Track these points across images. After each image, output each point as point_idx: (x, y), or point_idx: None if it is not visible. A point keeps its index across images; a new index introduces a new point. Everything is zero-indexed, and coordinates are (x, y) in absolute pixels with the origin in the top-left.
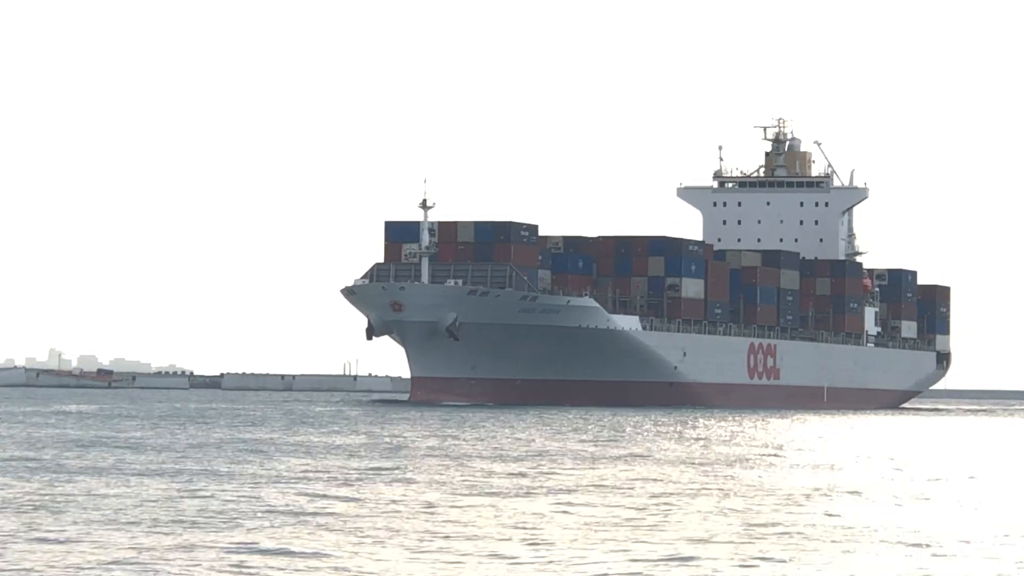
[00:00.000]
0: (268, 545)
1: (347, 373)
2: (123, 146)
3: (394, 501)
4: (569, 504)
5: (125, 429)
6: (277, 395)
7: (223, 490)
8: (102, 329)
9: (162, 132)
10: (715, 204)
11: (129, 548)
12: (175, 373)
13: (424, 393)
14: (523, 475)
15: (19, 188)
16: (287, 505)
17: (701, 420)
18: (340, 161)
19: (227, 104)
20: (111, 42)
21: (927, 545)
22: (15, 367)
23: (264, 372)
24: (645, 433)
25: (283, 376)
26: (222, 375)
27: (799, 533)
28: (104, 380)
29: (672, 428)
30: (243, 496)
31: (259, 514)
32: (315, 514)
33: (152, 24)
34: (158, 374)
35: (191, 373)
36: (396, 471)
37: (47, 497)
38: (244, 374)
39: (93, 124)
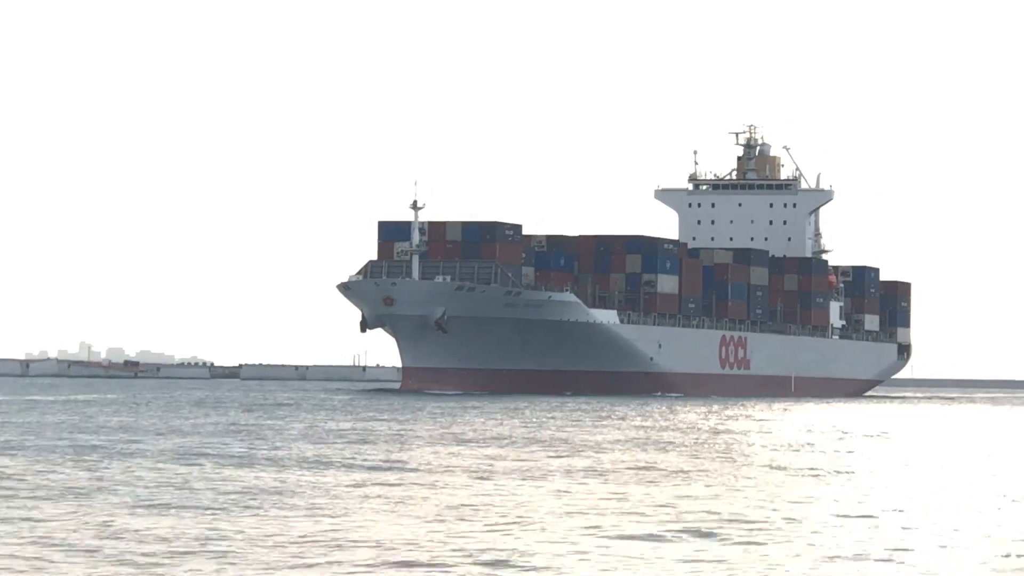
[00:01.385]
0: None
1: (356, 364)
2: (145, 155)
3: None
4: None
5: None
6: (294, 384)
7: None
8: (128, 323)
9: (181, 140)
10: (690, 205)
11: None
12: (196, 364)
13: (415, 383)
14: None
15: (55, 196)
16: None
17: (740, 409)
18: (339, 165)
19: (242, 115)
20: (118, 43)
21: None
22: (48, 359)
23: (279, 363)
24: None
25: (297, 367)
26: (240, 366)
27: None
28: (131, 371)
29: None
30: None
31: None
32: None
33: (162, 30)
34: (181, 365)
35: (211, 364)
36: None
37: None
38: (261, 365)
39: (113, 126)
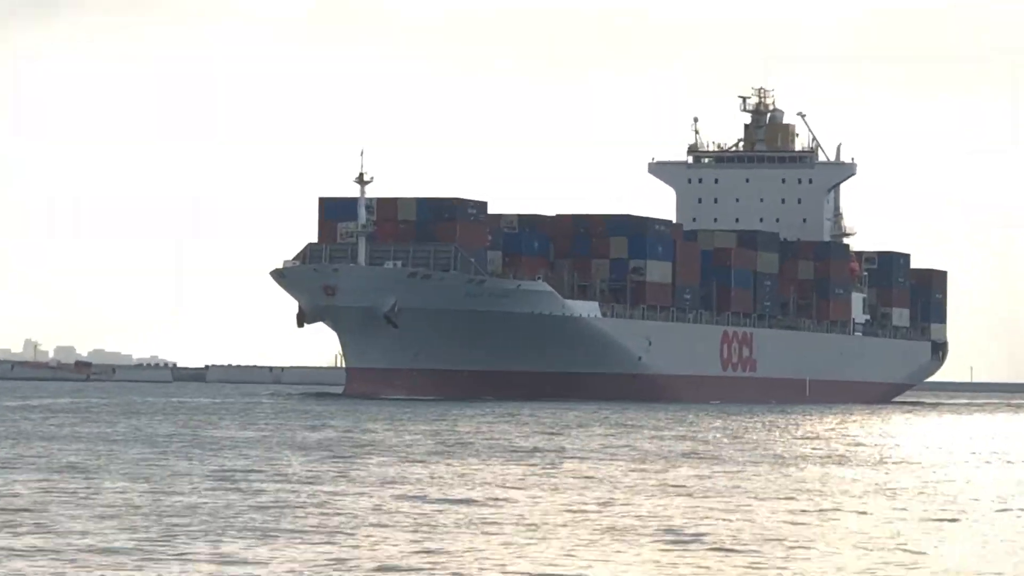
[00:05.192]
0: None
1: (339, 365)
2: (88, 146)
3: None
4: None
5: None
6: (268, 388)
7: None
8: (80, 320)
9: (114, 130)
10: (689, 181)
11: None
12: (157, 365)
13: (361, 385)
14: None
15: None
16: None
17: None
18: (275, 134)
19: (159, 83)
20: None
21: None
22: None
23: (251, 364)
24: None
25: (271, 368)
26: (207, 367)
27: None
28: (83, 372)
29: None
30: None
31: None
32: None
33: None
34: (139, 366)
35: (174, 365)
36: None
37: None
38: (230, 366)
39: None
